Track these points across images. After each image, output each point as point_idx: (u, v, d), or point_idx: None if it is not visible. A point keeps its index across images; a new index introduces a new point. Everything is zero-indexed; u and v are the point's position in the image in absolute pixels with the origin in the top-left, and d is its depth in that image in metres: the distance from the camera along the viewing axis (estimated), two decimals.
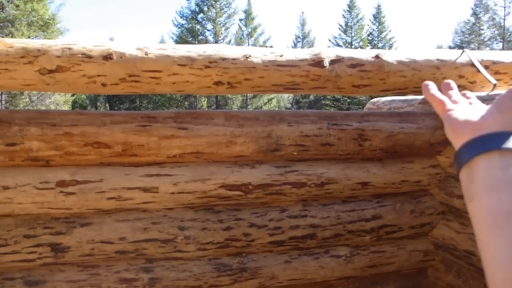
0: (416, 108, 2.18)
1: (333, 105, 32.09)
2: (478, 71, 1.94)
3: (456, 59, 1.95)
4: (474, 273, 1.90)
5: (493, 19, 26.22)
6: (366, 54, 1.84)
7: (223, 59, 1.65)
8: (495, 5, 26.26)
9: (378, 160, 1.95)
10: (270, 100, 33.52)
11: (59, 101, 21.64)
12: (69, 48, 1.52)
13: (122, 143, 1.63)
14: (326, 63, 1.76)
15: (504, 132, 0.57)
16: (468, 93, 0.83)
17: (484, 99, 1.81)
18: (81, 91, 1.67)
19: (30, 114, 1.62)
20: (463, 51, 2.00)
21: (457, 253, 1.96)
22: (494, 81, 1.88)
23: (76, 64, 1.52)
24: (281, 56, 1.73)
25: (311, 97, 33.76)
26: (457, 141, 0.64)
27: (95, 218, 1.69)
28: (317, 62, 1.75)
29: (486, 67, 1.97)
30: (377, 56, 1.83)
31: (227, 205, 1.79)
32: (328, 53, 1.78)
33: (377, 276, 2.06)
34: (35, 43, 1.53)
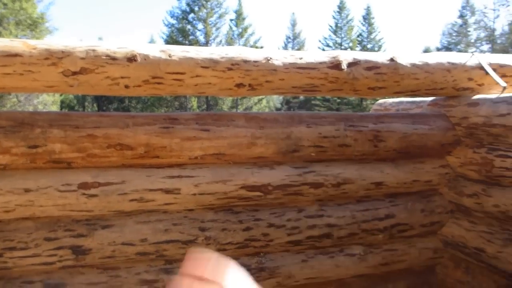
0: (426, 110, 2.23)
1: (323, 105, 32.30)
2: (487, 73, 2.00)
3: (466, 62, 2.01)
4: (483, 269, 1.96)
5: (481, 21, 26.92)
6: (382, 57, 1.88)
7: (245, 61, 1.68)
8: (485, 7, 26.86)
9: (391, 161, 2.00)
10: (260, 100, 33.52)
11: (47, 101, 21.30)
12: (94, 50, 1.53)
13: (145, 145, 1.64)
14: (344, 65, 1.80)
15: None
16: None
17: (494, 101, 1.87)
18: (103, 92, 1.68)
19: (52, 116, 1.62)
20: (473, 54, 2.06)
21: (467, 250, 2.02)
22: (504, 84, 1.94)
23: (100, 66, 1.53)
24: (301, 58, 1.76)
25: (301, 97, 33.91)
26: None
27: (116, 220, 1.69)
28: (335, 65, 1.79)
29: (493, 70, 2.03)
30: (392, 59, 1.88)
31: (247, 205, 1.82)
32: (346, 56, 1.82)
33: (388, 274, 2.11)
34: (59, 44, 1.53)
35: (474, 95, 2.02)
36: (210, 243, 1.74)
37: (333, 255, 1.95)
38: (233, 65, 1.66)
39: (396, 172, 1.98)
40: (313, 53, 1.81)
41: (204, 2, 30.37)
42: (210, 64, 1.65)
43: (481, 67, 2.01)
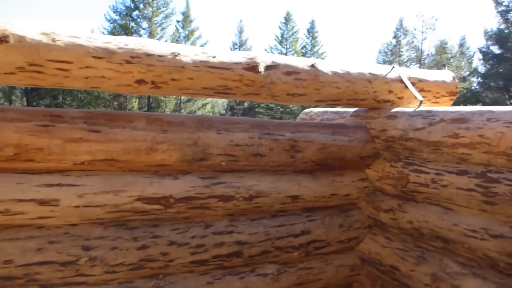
0: (348, 121, 2.17)
1: (266, 113, 32.64)
2: (406, 87, 1.98)
3: (387, 74, 1.97)
4: None
5: (411, 42, 29.14)
6: (302, 62, 1.76)
7: (148, 55, 1.46)
8: (415, 29, 29.04)
9: (309, 173, 1.88)
10: (204, 105, 32.96)
11: None
12: None
13: (15, 146, 1.34)
14: (262, 68, 1.65)
15: None
16: None
17: (411, 115, 1.84)
18: None
19: None
20: (393, 67, 2.03)
21: (382, 267, 1.96)
22: (420, 98, 1.93)
23: None
24: (214, 57, 1.58)
25: (246, 104, 34.01)
26: None
27: None
28: (252, 67, 1.63)
29: (412, 84, 2.02)
30: (313, 65, 1.77)
31: (144, 220, 1.58)
32: (264, 58, 1.68)
33: None
34: None
35: (394, 108, 1.98)
36: (95, 265, 1.48)
37: (244, 275, 1.77)
38: (133, 58, 1.44)
39: (314, 185, 1.87)
40: (229, 53, 1.64)
41: (149, 0, 29.38)
42: (104, 55, 1.40)
43: (400, 80, 1.98)
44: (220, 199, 1.64)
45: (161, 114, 1.61)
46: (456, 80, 2.27)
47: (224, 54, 1.62)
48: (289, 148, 1.75)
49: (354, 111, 2.18)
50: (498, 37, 25.17)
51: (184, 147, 1.56)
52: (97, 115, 1.49)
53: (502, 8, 24.69)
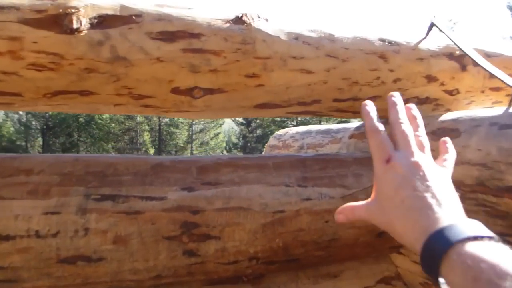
0: (346, 146, 1.06)
1: None
2: (476, 64, 0.89)
3: (421, 41, 0.89)
4: None
5: None
6: (211, 12, 0.70)
7: None
8: None
9: (250, 282, 0.77)
10: (217, 134, 31.79)
11: None
12: None
13: None
14: (84, 21, 0.61)
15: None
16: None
17: (501, 125, 0.74)
18: None
19: None
20: (433, 24, 0.94)
21: None
22: None
23: None
24: None
25: (259, 131, 32.74)
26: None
27: None
28: (54, 17, 0.61)
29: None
30: (239, 19, 0.71)
31: None
32: None
33: None
34: None
35: (442, 113, 0.88)
36: None
37: None
38: None
39: None
40: None
41: None
42: None
43: (449, 54, 0.90)
44: None
45: None
46: None
47: None
48: (177, 232, 0.65)
49: (358, 127, 1.08)
50: None
51: None
52: None
53: None
